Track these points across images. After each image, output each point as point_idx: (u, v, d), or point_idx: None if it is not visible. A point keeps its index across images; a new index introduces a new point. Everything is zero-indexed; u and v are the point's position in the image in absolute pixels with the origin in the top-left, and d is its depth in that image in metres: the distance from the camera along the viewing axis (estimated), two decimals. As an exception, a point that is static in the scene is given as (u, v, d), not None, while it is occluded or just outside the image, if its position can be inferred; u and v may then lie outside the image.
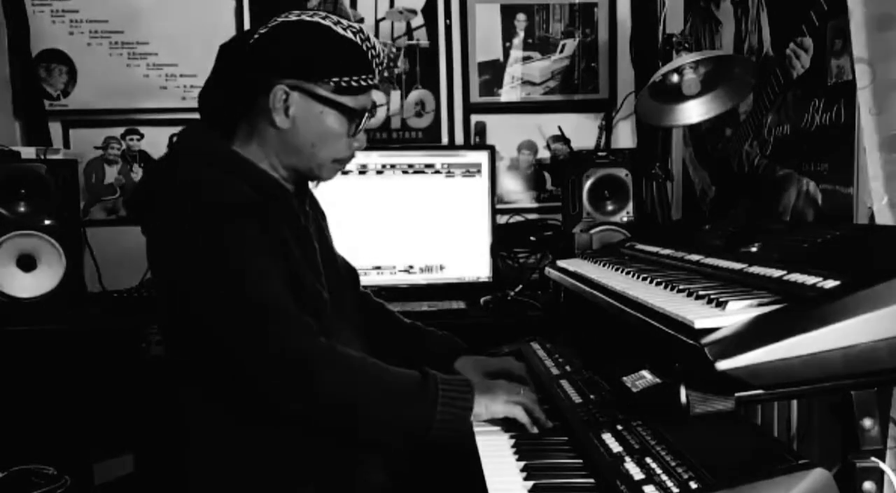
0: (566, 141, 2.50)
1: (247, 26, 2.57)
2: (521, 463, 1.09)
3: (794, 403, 1.04)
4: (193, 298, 1.16)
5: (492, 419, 1.23)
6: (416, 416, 1.15)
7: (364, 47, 1.25)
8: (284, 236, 1.23)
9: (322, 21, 1.25)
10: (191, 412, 1.28)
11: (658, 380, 1.06)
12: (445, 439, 1.17)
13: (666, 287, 1.14)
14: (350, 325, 1.40)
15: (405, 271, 2.40)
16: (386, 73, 1.32)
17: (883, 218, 1.34)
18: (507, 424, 1.23)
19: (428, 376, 1.18)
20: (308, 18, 1.26)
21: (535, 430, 1.19)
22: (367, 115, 1.31)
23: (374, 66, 1.26)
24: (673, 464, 0.89)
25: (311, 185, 1.42)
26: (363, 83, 1.26)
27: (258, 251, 1.16)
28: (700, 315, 0.90)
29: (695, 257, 1.29)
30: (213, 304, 1.14)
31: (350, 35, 1.24)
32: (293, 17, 1.26)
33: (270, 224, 1.21)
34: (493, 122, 2.68)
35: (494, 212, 2.45)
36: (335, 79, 1.24)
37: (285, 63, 1.24)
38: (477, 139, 2.67)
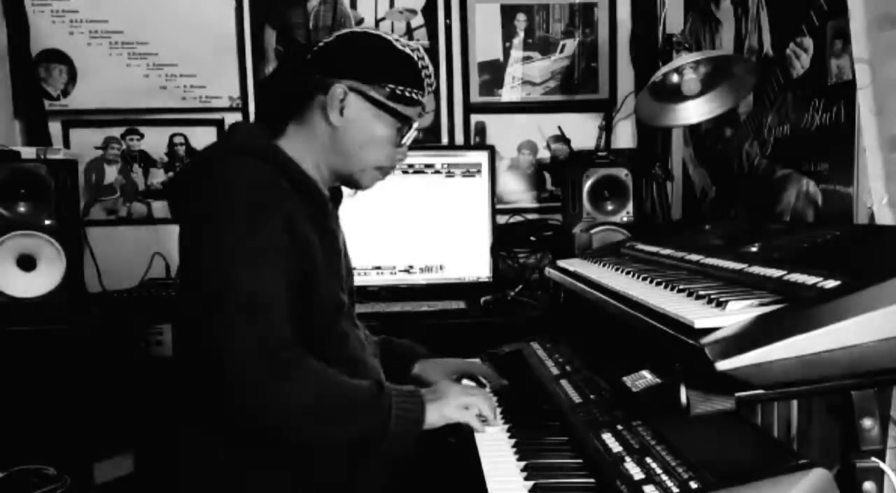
0: (566, 141, 2.50)
1: (247, 27, 2.58)
2: (522, 463, 1.09)
3: (794, 403, 1.04)
4: (204, 285, 1.16)
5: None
6: (372, 426, 1.17)
7: (419, 64, 1.31)
8: (309, 237, 1.24)
9: (384, 35, 1.32)
10: (190, 410, 1.28)
11: (658, 380, 1.06)
12: (398, 446, 1.21)
13: (666, 287, 1.14)
14: (360, 331, 1.43)
15: (405, 271, 2.40)
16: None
17: (883, 218, 1.34)
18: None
19: (382, 388, 1.21)
20: (372, 31, 1.34)
21: (486, 430, 1.24)
22: (414, 128, 1.35)
23: (425, 84, 1.33)
24: (673, 464, 0.89)
25: (348, 193, 1.45)
26: (414, 96, 1.31)
27: (271, 250, 1.16)
28: (700, 315, 0.91)
29: (695, 257, 1.29)
30: (209, 295, 1.13)
31: (408, 51, 1.31)
32: (358, 30, 1.35)
33: (297, 223, 1.21)
34: (493, 122, 2.68)
35: (494, 212, 2.45)
36: (391, 85, 1.29)
37: (345, 65, 1.29)
38: (477, 139, 2.67)
